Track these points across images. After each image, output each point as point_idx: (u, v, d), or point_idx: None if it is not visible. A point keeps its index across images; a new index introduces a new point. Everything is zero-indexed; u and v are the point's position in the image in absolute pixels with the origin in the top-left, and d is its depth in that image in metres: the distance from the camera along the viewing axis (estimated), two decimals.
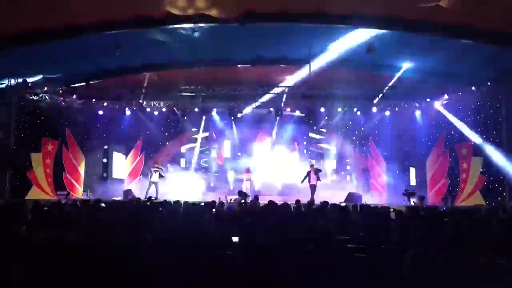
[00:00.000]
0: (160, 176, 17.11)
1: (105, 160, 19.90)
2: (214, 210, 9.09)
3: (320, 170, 16.82)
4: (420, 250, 3.40)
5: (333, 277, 3.67)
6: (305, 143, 20.66)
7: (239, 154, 20.26)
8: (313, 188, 16.29)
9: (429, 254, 3.36)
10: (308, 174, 16.53)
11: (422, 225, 6.42)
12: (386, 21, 11.71)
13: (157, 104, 19.11)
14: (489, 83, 15.11)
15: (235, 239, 5.25)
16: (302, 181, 16.63)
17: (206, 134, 20.76)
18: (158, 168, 17.31)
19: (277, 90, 17.72)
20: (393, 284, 3.51)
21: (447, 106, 16.95)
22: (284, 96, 18.15)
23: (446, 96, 16.80)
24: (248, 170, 18.14)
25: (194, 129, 20.59)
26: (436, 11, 10.97)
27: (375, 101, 17.77)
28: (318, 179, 16.40)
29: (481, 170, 15.65)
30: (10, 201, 11.09)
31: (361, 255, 4.39)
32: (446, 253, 4.06)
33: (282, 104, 18.68)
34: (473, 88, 15.65)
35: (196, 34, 12.31)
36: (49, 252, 3.88)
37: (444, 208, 11.86)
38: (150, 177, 17.03)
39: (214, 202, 10.23)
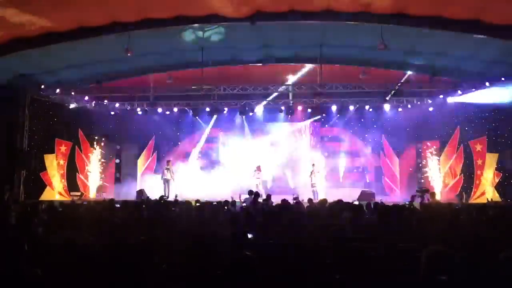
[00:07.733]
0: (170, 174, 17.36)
1: (117, 161, 20.01)
2: (226, 208, 9.11)
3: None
4: (438, 248, 3.35)
5: (347, 277, 3.64)
6: (316, 142, 20.59)
7: (250, 152, 20.22)
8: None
9: (446, 252, 3.31)
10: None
11: (437, 223, 6.35)
12: (396, 18, 11.60)
13: (168, 104, 19.14)
14: (502, 79, 14.89)
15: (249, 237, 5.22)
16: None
17: (218, 133, 20.78)
18: (169, 167, 17.49)
19: (288, 88, 17.65)
20: (410, 284, 3.47)
21: (461, 103, 16.75)
22: (295, 94, 18.07)
23: (459, 92, 16.60)
24: (259, 169, 18.11)
25: (205, 128, 20.63)
26: (447, 6, 10.87)
27: (387, 98, 17.58)
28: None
29: (496, 166, 15.48)
30: (27, 203, 11.18)
31: (376, 255, 4.34)
32: (463, 250, 4.01)
33: (293, 102, 18.60)
34: (487, 84, 15.43)
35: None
36: (65, 253, 3.90)
37: (459, 205, 11.75)
38: (162, 176, 17.19)
39: (226, 201, 10.23)
